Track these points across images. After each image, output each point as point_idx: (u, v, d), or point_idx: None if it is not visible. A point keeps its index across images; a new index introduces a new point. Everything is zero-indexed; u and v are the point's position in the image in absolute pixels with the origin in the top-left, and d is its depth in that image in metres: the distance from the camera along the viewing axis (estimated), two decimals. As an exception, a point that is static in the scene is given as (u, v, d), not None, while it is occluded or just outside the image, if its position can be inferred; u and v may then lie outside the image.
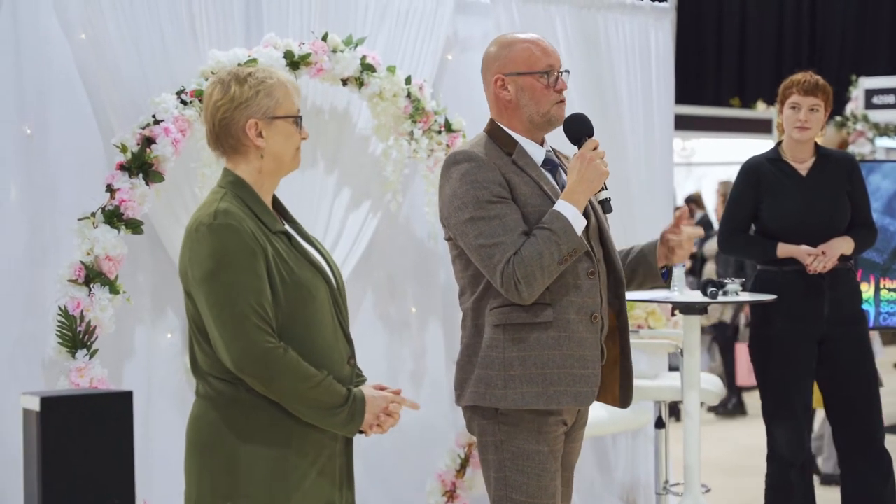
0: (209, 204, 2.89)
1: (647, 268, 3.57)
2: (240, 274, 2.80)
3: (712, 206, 13.28)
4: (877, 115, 9.73)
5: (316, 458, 2.92)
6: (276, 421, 2.87)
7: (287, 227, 3.03)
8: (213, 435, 2.85)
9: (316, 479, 2.92)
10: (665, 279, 3.60)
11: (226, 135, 2.93)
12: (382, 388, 3.06)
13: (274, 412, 2.87)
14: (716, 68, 15.79)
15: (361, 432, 3.00)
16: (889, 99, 9.80)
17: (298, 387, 2.83)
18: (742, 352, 9.33)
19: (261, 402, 2.87)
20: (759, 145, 13.43)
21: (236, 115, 2.90)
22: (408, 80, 4.90)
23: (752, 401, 8.66)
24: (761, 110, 13.69)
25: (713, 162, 13.59)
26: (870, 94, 9.91)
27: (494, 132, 3.41)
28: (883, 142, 9.69)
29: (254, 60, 4.47)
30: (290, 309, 2.87)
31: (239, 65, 4.45)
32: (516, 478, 3.31)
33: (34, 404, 2.48)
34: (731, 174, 13.46)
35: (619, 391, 3.49)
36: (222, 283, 2.80)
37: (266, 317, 2.81)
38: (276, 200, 3.08)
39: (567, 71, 3.41)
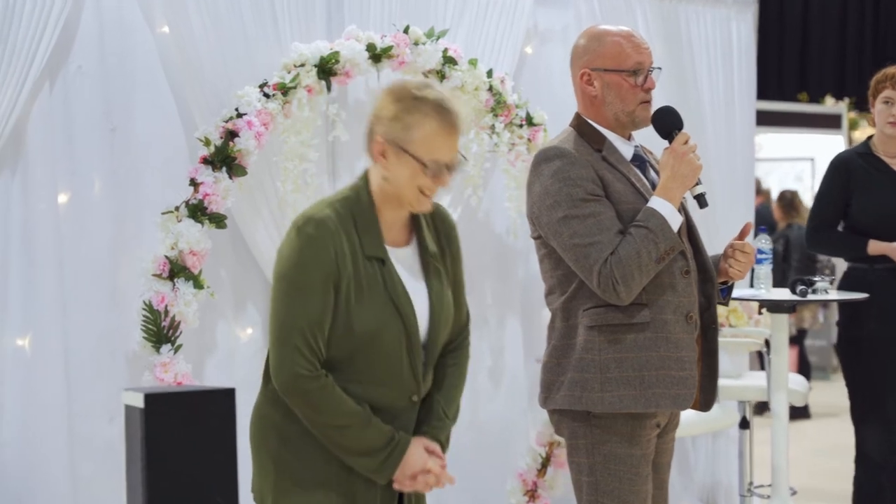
0: (318, 205, 2.83)
1: None
2: (302, 290, 2.72)
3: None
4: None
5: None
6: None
7: (409, 247, 2.90)
8: (266, 431, 2.77)
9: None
10: (724, 296, 3.47)
11: (368, 141, 2.86)
12: (429, 449, 2.92)
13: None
14: (781, 61, 15.62)
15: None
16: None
17: (329, 422, 2.74)
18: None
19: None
20: (828, 141, 13.23)
21: (374, 127, 2.83)
22: (489, 74, 4.83)
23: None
24: (829, 105, 13.47)
25: (780, 158, 13.39)
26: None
27: (582, 127, 3.33)
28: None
29: (336, 53, 4.42)
30: (349, 335, 2.77)
31: (322, 57, 4.39)
32: (608, 482, 3.23)
33: (138, 401, 2.44)
34: (799, 170, 13.34)
35: (701, 394, 3.38)
36: (285, 291, 2.74)
37: (312, 342, 2.71)
38: (415, 217, 2.93)
39: (658, 68, 3.32)
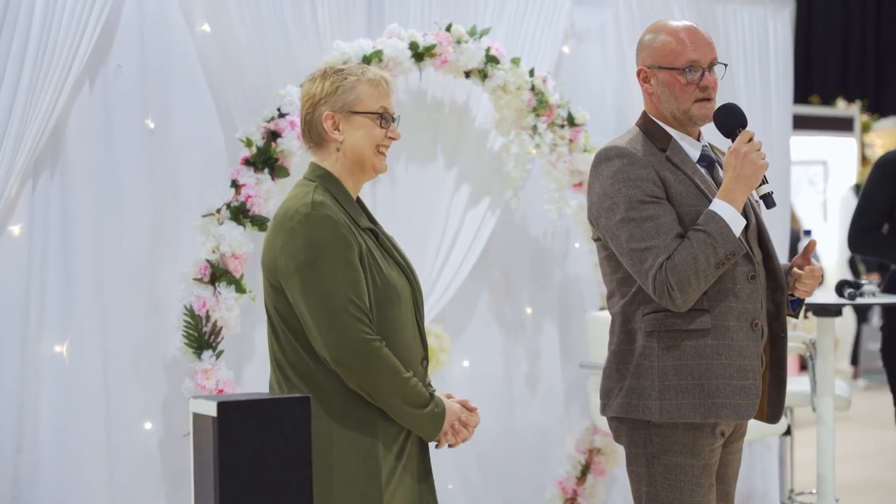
0: (303, 195, 2.87)
1: None
2: (337, 265, 2.78)
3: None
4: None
5: (399, 454, 2.88)
6: (359, 416, 2.82)
7: (371, 224, 3.01)
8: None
9: (402, 474, 2.88)
10: (794, 308, 3.31)
11: (311, 128, 2.95)
12: (463, 403, 3.04)
13: (359, 406, 2.82)
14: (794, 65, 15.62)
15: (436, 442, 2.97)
16: None
17: (393, 381, 2.81)
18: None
19: (347, 396, 2.81)
20: (840, 143, 13.16)
21: (316, 109, 2.93)
22: (531, 73, 4.75)
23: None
24: (841, 108, 13.39)
25: (793, 161, 13.33)
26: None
27: (647, 126, 3.19)
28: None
29: (379, 52, 4.34)
30: (378, 307, 2.85)
31: (364, 56, 4.33)
32: (668, 493, 3.08)
33: (210, 409, 2.35)
34: (812, 174, 13.27)
35: (768, 405, 3.25)
36: (319, 274, 2.77)
37: (364, 308, 2.79)
38: (359, 200, 3.04)
39: (724, 64, 3.19)
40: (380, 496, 2.81)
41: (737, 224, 3.00)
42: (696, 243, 2.97)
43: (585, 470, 5.07)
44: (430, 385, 3.02)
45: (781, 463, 5.28)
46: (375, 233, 2.96)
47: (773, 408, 3.25)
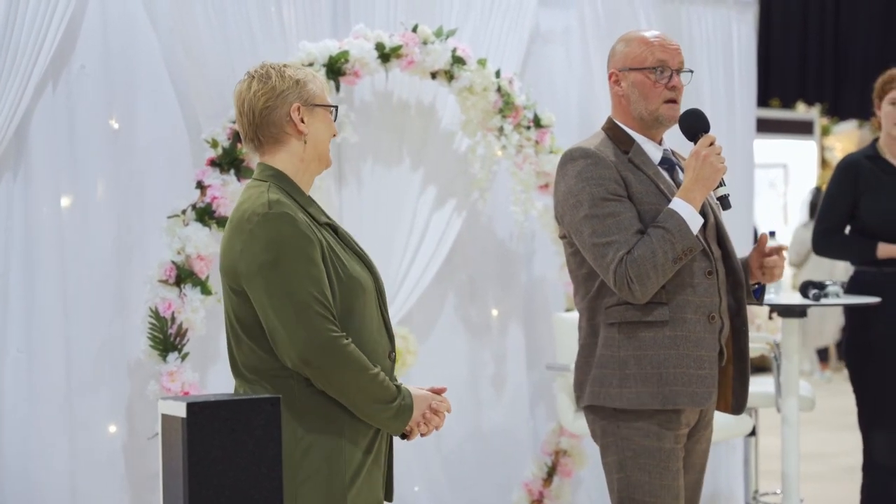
0: (258, 196, 2.81)
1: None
2: (299, 263, 2.73)
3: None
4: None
5: (368, 450, 2.87)
6: (327, 415, 2.80)
7: (329, 219, 2.96)
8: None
9: (368, 473, 2.87)
10: (757, 297, 3.50)
11: (267, 124, 2.86)
12: (435, 391, 3.00)
13: (324, 406, 2.80)
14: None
15: (405, 436, 2.94)
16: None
17: (359, 378, 2.78)
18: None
19: (310, 398, 2.79)
20: (800, 147, 13.28)
21: (278, 102, 2.85)
22: (497, 74, 4.75)
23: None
24: (801, 111, 13.52)
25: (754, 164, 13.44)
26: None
27: (612, 130, 3.34)
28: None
29: (345, 52, 4.33)
30: (342, 302, 2.81)
31: (331, 56, 4.31)
32: (638, 476, 3.24)
33: (179, 410, 2.32)
34: (772, 176, 13.37)
35: (733, 397, 3.39)
36: (282, 273, 2.73)
37: (328, 304, 2.75)
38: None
39: (690, 71, 3.32)
40: (344, 495, 2.79)
41: (695, 222, 3.16)
42: (655, 239, 3.13)
43: (552, 471, 5.07)
44: (395, 378, 2.99)
45: (746, 463, 5.30)
46: (334, 227, 2.92)
47: (737, 399, 3.40)
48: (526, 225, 4.91)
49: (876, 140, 4.93)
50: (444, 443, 5.01)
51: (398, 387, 2.88)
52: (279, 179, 2.86)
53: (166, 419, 2.43)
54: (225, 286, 2.85)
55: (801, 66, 16.34)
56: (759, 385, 5.35)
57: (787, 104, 13.94)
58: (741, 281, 3.35)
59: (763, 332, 5.69)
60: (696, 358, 3.21)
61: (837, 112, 14.02)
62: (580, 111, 5.35)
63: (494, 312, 5.20)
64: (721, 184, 3.25)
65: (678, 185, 3.30)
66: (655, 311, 3.19)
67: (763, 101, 14.27)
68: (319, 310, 2.72)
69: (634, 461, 3.23)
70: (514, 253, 5.21)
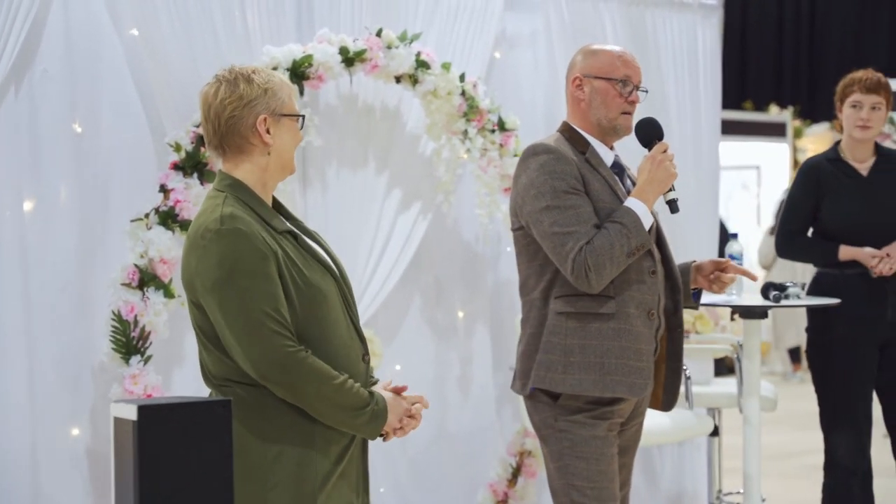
0: (212, 209, 2.81)
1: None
2: (252, 279, 2.73)
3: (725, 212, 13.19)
4: (902, 118, 9.57)
5: (339, 459, 2.87)
6: (298, 423, 2.81)
7: (289, 225, 2.95)
8: (235, 443, 2.74)
9: (338, 480, 2.87)
10: (696, 300, 3.74)
11: (232, 133, 2.84)
12: (396, 390, 3.00)
13: (295, 414, 2.81)
14: (725, 70, 15.76)
15: (382, 436, 2.95)
16: (917, 101, 9.63)
17: (322, 389, 2.77)
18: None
19: (280, 405, 2.80)
20: (773, 149, 13.34)
21: (245, 112, 2.83)
22: (461, 78, 4.77)
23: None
24: (774, 113, 13.59)
25: (726, 166, 13.49)
26: (892, 95, 9.74)
27: (568, 132, 3.55)
28: (910, 145, 9.55)
29: (309, 56, 4.35)
30: (303, 310, 2.81)
31: (295, 60, 4.33)
32: (576, 464, 3.41)
33: (130, 413, 2.34)
34: (745, 178, 13.43)
35: (664, 394, 3.63)
36: (235, 290, 2.72)
37: (283, 320, 2.74)
38: (275, 200, 3.00)
39: (645, 91, 3.56)
40: (313, 502, 2.80)
41: (647, 220, 3.41)
42: (612, 232, 3.34)
43: (516, 472, 5.10)
44: (373, 378, 3.00)
45: (709, 463, 5.34)
46: (295, 234, 2.91)
47: (667, 396, 3.64)
48: (491, 228, 4.94)
49: (838, 143, 4.98)
50: (410, 444, 5.03)
51: (371, 392, 2.88)
52: (237, 189, 2.85)
53: (118, 422, 2.45)
54: (188, 299, 2.86)
55: (776, 69, 16.44)
56: (722, 385, 5.41)
57: (762, 106, 14.01)
58: (678, 285, 3.58)
59: (728, 332, 5.72)
60: (635, 350, 3.42)
61: (812, 114, 14.11)
62: (546, 115, 5.38)
63: (460, 314, 5.23)
64: (671, 188, 3.49)
65: (627, 189, 3.52)
66: (604, 304, 3.38)
67: (737, 103, 14.35)
68: (273, 326, 2.72)
69: (571, 450, 3.41)
70: (480, 255, 5.24)
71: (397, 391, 2.98)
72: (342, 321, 2.90)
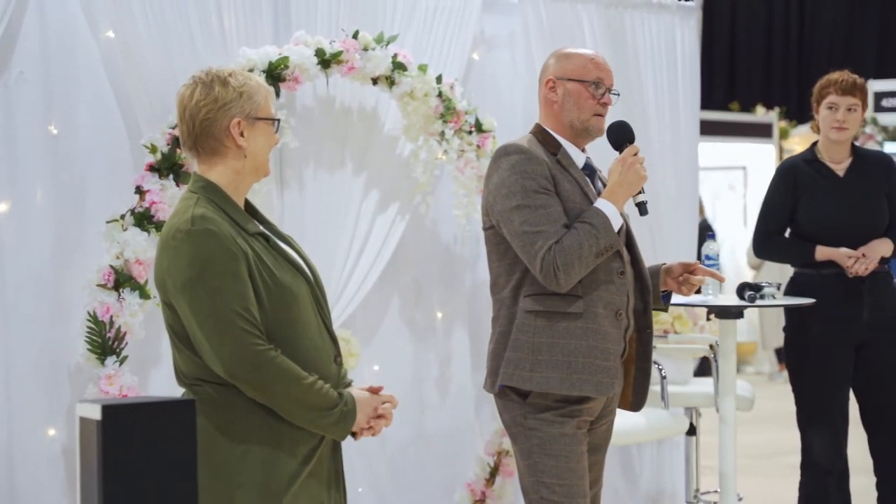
0: (184, 210, 2.84)
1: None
2: (223, 279, 2.76)
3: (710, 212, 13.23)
4: (885, 119, 9.64)
5: (307, 459, 2.89)
6: (266, 422, 2.83)
7: (261, 228, 2.98)
8: (202, 442, 2.76)
9: (306, 480, 2.88)
10: (665, 302, 3.77)
11: (207, 136, 2.88)
12: (373, 390, 3.02)
13: (264, 414, 2.83)
14: (711, 72, 15.79)
15: (353, 435, 2.97)
16: (899, 102, 9.70)
17: (290, 389, 2.80)
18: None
19: (250, 405, 2.83)
20: (759, 150, 13.37)
21: (220, 115, 2.86)
22: (438, 80, 4.79)
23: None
24: (760, 114, 13.63)
25: (713, 167, 13.52)
26: (879, 96, 9.82)
27: (541, 134, 3.59)
28: (893, 147, 9.60)
29: (285, 58, 4.36)
30: (273, 311, 2.83)
31: (271, 62, 4.34)
32: (545, 461, 3.43)
33: (94, 413, 2.35)
34: (732, 179, 13.46)
35: (633, 394, 3.66)
36: (205, 289, 2.75)
37: (253, 320, 2.77)
38: (247, 202, 3.03)
39: (617, 94, 3.60)
40: (279, 501, 2.82)
41: (616, 221, 3.44)
42: (582, 232, 3.37)
43: (494, 472, 5.12)
44: (346, 379, 3.01)
45: (687, 462, 5.36)
46: (266, 236, 2.93)
47: (637, 397, 3.67)
48: (468, 228, 4.96)
49: (815, 144, 5.00)
50: (388, 444, 5.05)
51: (340, 393, 2.90)
52: (210, 191, 2.87)
53: (83, 422, 2.45)
54: (161, 299, 2.89)
55: (766, 71, 16.48)
56: (700, 385, 5.43)
57: (749, 107, 14.05)
58: (648, 286, 3.62)
59: (707, 333, 5.74)
60: (603, 350, 3.45)
61: (801, 115, 14.15)
62: (525, 116, 5.39)
63: (439, 315, 5.24)
64: (641, 191, 3.52)
65: (598, 191, 3.56)
66: (572, 304, 3.41)
67: (724, 104, 14.40)
68: (243, 325, 2.75)
69: (541, 448, 3.44)
70: (459, 256, 5.26)
71: (373, 391, 3.00)
72: (313, 322, 2.91)
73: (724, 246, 12.51)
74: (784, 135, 13.40)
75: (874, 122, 9.56)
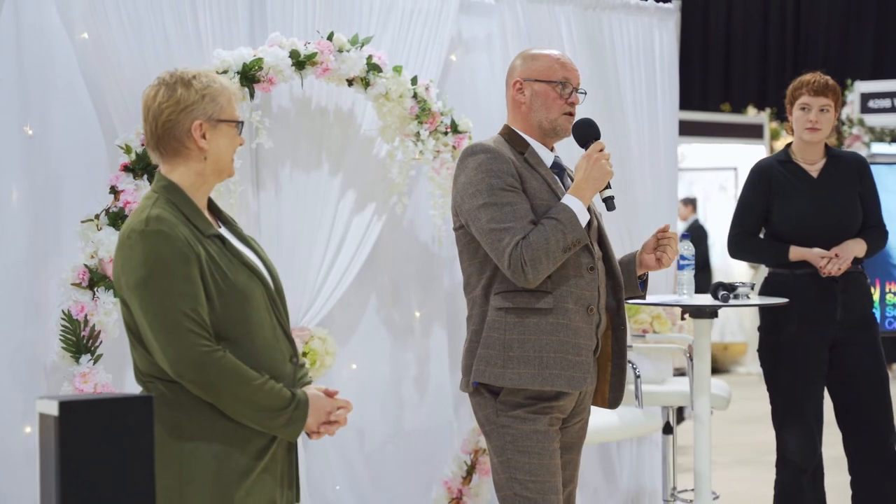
0: (141, 210, 2.88)
1: (627, 277, 3.75)
2: (172, 280, 2.79)
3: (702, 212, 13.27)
4: (872, 120, 9.67)
5: (260, 455, 2.91)
6: (218, 420, 2.87)
7: (222, 229, 3.02)
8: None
9: (260, 475, 2.91)
10: (642, 289, 3.79)
11: (169, 137, 2.92)
12: (328, 393, 3.03)
13: (214, 411, 2.87)
14: (704, 73, 15.83)
15: (308, 435, 3.00)
16: (885, 103, 9.74)
17: (236, 389, 2.83)
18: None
19: (200, 403, 2.86)
20: (750, 150, 13.40)
21: (181, 117, 2.90)
22: (414, 81, 4.82)
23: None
24: (751, 115, 13.67)
25: (704, 167, 13.56)
26: (865, 97, 9.85)
27: (509, 134, 3.65)
28: (880, 147, 9.64)
29: (259, 60, 4.40)
30: (225, 312, 2.86)
31: (245, 64, 4.38)
32: (518, 458, 3.47)
33: (52, 409, 2.38)
34: (723, 179, 13.49)
35: (609, 392, 3.69)
36: (155, 289, 2.79)
37: (201, 321, 2.81)
38: (211, 203, 3.06)
39: (584, 92, 3.65)
40: (231, 496, 2.86)
41: (583, 217, 3.47)
42: (548, 228, 3.40)
43: (471, 470, 5.15)
44: (305, 379, 3.03)
45: (664, 461, 5.39)
46: (223, 238, 2.96)
47: (613, 394, 3.71)
48: (445, 229, 4.98)
49: (789, 145, 5.04)
50: (366, 442, 5.08)
51: (294, 393, 2.92)
52: (170, 192, 2.91)
53: (42, 418, 2.48)
54: (119, 297, 2.94)
55: (760, 72, 16.51)
56: (677, 384, 5.46)
57: (738, 109, 14.10)
58: (621, 283, 3.65)
59: (685, 332, 5.78)
60: (574, 345, 3.48)
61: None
62: (502, 117, 5.34)
63: (417, 314, 5.27)
64: (608, 186, 3.55)
65: (566, 188, 3.58)
66: (542, 300, 3.45)
67: (715, 105, 14.44)
68: (191, 326, 2.78)
69: (513, 445, 3.48)
70: (436, 256, 5.29)
71: (328, 394, 3.02)
72: (268, 323, 2.94)
73: (715, 247, 12.58)
74: (775, 136, 13.44)
75: (861, 123, 9.60)
